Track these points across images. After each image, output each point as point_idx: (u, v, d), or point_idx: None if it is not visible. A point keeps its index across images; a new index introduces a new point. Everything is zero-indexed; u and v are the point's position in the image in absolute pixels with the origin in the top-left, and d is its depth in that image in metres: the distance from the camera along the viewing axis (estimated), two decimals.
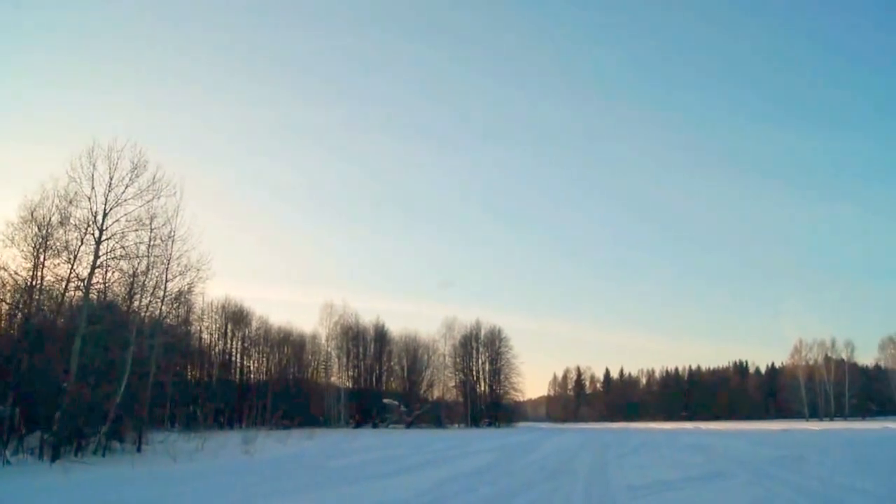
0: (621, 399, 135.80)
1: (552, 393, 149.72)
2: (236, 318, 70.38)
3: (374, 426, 72.96)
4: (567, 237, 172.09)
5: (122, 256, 25.64)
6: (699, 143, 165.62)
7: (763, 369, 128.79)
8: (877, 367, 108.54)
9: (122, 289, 27.41)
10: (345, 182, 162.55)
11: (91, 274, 24.28)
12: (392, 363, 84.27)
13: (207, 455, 24.68)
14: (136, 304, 27.71)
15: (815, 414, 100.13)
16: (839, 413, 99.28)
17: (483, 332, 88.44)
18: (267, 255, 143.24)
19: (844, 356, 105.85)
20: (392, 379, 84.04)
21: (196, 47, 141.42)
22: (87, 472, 18.58)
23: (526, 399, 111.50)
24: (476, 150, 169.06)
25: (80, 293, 24.70)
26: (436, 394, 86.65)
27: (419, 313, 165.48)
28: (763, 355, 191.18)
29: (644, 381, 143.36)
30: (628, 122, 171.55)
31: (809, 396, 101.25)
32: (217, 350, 68.98)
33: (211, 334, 68.70)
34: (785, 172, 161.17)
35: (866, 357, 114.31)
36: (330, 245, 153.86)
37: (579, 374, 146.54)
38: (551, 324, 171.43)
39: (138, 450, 26.09)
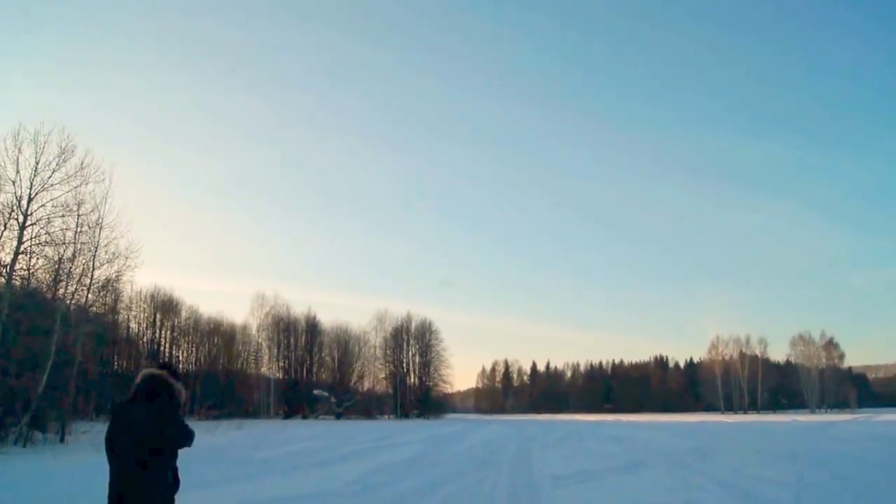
0: (547, 391, 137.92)
1: (480, 385, 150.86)
2: (165, 307, 69.28)
3: (304, 417, 72.83)
4: (497, 232, 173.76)
5: (47, 243, 25.29)
6: (632, 144, 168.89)
7: (682, 364, 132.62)
8: (787, 362, 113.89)
9: (47, 276, 26.95)
10: (277, 174, 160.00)
11: (14, 260, 23.88)
12: (323, 354, 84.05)
13: None
14: (61, 291, 27.26)
15: (730, 407, 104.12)
16: (752, 406, 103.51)
17: (414, 325, 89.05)
18: (197, 245, 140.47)
19: (758, 352, 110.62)
20: (322, 370, 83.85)
21: (121, 33, 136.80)
22: (7, 463, 18.27)
23: (455, 391, 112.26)
24: (414, 147, 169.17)
25: (2, 279, 24.17)
26: (366, 385, 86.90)
27: (351, 305, 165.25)
28: (683, 350, 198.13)
29: (569, 374, 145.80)
30: (567, 122, 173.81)
31: (725, 390, 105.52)
32: (145, 339, 67.84)
33: (139, 323, 67.53)
34: (711, 174, 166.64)
35: (778, 353, 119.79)
36: (262, 236, 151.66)
37: (507, 367, 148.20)
38: (481, 317, 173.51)
39: (61, 440, 25.75)
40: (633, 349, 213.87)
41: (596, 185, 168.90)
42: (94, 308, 31.04)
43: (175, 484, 4.65)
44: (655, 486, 12.69)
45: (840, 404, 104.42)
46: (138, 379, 4.74)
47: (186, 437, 4.66)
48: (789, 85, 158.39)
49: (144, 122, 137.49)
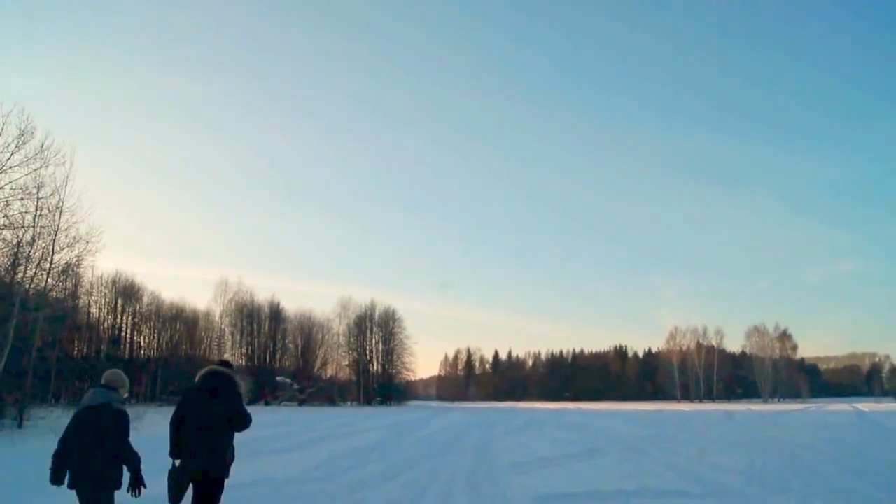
0: (509, 380, 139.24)
1: (443, 373, 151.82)
2: (127, 292, 68.34)
3: (267, 404, 72.56)
4: (461, 222, 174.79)
5: (5, 226, 24.84)
6: (594, 137, 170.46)
7: (641, 354, 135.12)
8: (743, 353, 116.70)
9: (5, 259, 26.45)
10: (242, 161, 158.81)
11: None
12: (286, 341, 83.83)
13: None
14: (20, 275, 26.77)
15: (686, 396, 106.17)
16: (708, 395, 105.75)
17: (377, 313, 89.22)
18: (160, 231, 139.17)
19: (715, 343, 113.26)
20: (286, 357, 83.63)
21: (86, 16, 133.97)
22: None
23: (417, 378, 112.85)
24: (377, 136, 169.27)
25: None
26: (329, 372, 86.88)
27: (315, 293, 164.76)
28: (641, 340, 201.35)
29: (530, 362, 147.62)
30: (529, 114, 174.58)
31: (682, 380, 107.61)
32: (106, 325, 66.85)
33: (100, 309, 66.50)
34: (671, 167, 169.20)
35: (734, 344, 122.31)
36: (226, 223, 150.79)
37: (469, 356, 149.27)
38: (444, 305, 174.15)
39: (19, 426, 25.41)
40: (593, 339, 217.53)
41: (558, 178, 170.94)
42: (54, 293, 30.62)
43: (233, 457, 6.17)
44: (612, 473, 12.96)
45: (792, 394, 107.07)
46: (203, 372, 6.35)
47: (245, 419, 6.17)
48: (748, 79, 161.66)
49: (108, 107, 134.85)
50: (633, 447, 18.70)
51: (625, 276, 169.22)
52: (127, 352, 68.82)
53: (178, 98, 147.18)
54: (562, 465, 14.33)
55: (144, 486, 5.72)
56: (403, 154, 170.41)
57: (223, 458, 6.02)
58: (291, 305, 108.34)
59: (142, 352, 71.58)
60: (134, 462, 5.69)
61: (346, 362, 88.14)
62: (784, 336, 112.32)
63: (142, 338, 72.51)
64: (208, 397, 6.11)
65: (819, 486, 11.04)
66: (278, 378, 78.22)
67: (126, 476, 5.72)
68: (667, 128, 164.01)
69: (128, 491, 5.63)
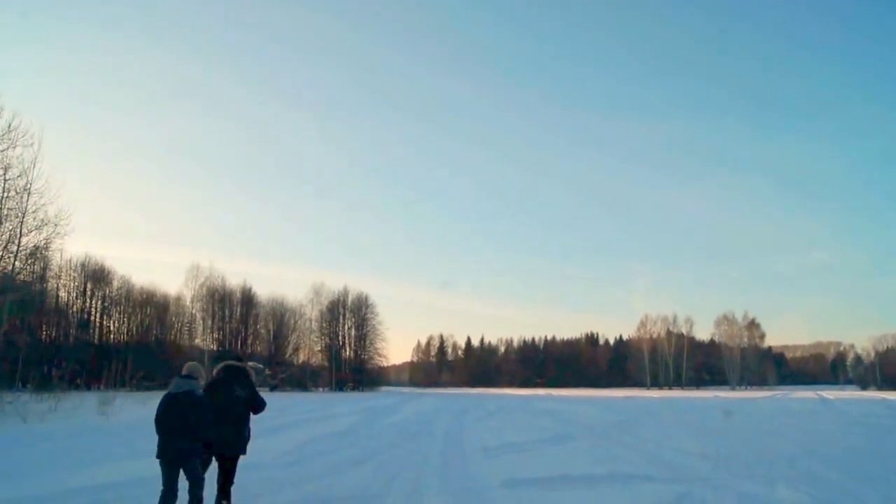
0: (481, 366, 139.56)
1: (415, 359, 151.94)
2: (96, 276, 67.63)
3: None
4: (435, 209, 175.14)
5: None
6: (567, 124, 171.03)
7: (612, 341, 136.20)
8: (712, 341, 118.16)
9: None
10: (215, 144, 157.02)
11: None
12: (258, 326, 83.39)
13: (61, 416, 23.87)
14: None
15: (656, 383, 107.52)
16: (677, 382, 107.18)
17: (350, 299, 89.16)
18: (131, 215, 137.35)
19: (684, 331, 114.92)
20: (258, 342, 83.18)
21: None
22: None
23: (390, 364, 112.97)
24: (353, 118, 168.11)
25: None
26: (301, 358, 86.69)
27: (288, 278, 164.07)
28: (613, 328, 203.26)
29: (503, 349, 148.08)
30: (521, 99, 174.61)
31: (652, 367, 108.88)
32: (75, 309, 66.10)
33: (69, 292, 65.72)
34: (644, 156, 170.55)
35: (703, 332, 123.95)
36: (198, 208, 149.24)
37: (442, 342, 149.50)
38: (417, 292, 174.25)
39: None
40: (565, 326, 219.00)
41: (531, 165, 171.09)
42: (22, 276, 30.16)
43: (249, 436, 7.58)
44: (581, 458, 13.11)
45: (759, 382, 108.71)
46: (221, 365, 7.82)
47: (260, 404, 7.68)
48: (721, 69, 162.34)
49: (78, 89, 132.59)
50: (602, 433, 18.91)
51: (597, 264, 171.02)
52: (96, 336, 68.20)
53: (152, 79, 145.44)
54: (532, 451, 14.44)
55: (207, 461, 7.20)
56: (378, 138, 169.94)
57: (243, 439, 7.46)
58: (264, 290, 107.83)
59: (111, 336, 70.93)
60: (210, 435, 6.99)
61: (319, 348, 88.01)
62: (752, 325, 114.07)
63: (112, 322, 71.88)
64: (229, 387, 7.50)
65: (783, 471, 11.26)
66: (250, 363, 77.41)
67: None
68: (641, 116, 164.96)
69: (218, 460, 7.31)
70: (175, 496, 6.77)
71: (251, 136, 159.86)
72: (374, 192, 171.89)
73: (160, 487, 6.81)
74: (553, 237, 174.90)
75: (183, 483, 6.83)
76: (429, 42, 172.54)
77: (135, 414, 26.00)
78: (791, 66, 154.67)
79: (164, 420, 6.84)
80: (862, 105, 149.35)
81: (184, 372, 7.28)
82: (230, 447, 7.35)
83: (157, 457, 6.81)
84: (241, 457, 7.57)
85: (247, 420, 7.56)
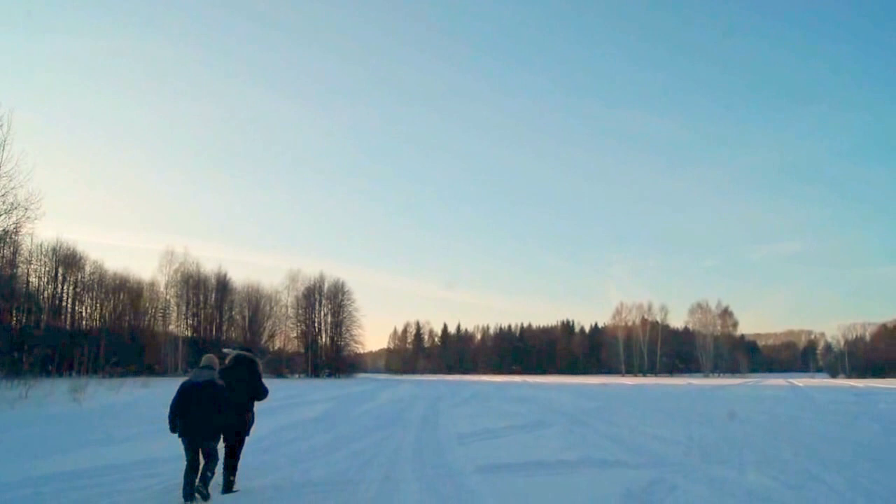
0: (457, 353, 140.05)
1: (392, 346, 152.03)
2: (68, 261, 66.68)
3: None
4: (411, 197, 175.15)
5: None
6: (543, 113, 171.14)
7: (588, 328, 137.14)
8: (686, 329, 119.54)
9: None
10: (190, 128, 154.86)
11: None
12: (233, 313, 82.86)
13: (32, 403, 23.59)
14: None
15: (630, 370, 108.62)
16: (651, 369, 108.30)
17: (326, 285, 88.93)
18: (104, 199, 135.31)
19: (659, 319, 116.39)
20: (233, 329, 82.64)
21: None
22: None
23: (366, 351, 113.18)
24: (326, 103, 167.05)
25: None
26: (277, 344, 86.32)
27: (264, 265, 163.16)
28: (588, 315, 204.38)
29: (479, 336, 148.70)
30: (479, 89, 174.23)
31: (627, 354, 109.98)
32: (46, 295, 65.19)
33: (40, 278, 64.73)
34: (621, 145, 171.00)
35: (678, 320, 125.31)
36: (172, 193, 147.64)
37: (418, 329, 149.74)
38: (393, 278, 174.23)
39: None
40: (541, 314, 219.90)
41: (507, 154, 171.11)
42: None
43: (253, 419, 8.67)
44: (555, 444, 13.20)
45: (732, 369, 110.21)
46: (232, 355, 8.93)
47: (264, 392, 8.80)
48: (698, 57, 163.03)
49: (51, 70, 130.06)
50: (577, 419, 19.03)
51: (574, 252, 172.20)
52: (68, 322, 67.38)
53: (126, 62, 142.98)
54: (507, 437, 14.54)
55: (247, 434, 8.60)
56: (353, 126, 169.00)
57: (246, 422, 8.46)
58: (239, 277, 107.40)
59: (84, 322, 70.13)
60: (231, 418, 8.11)
61: (295, 334, 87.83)
62: (725, 313, 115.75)
63: (84, 308, 71.06)
64: (238, 375, 8.53)
65: (753, 456, 11.43)
66: (224, 349, 77.03)
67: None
68: (617, 105, 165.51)
69: (225, 440, 8.27)
70: (196, 470, 7.73)
71: (228, 120, 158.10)
72: (350, 179, 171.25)
73: (165, 468, 8.31)
74: (530, 226, 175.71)
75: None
76: (399, 20, 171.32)
77: (107, 400, 25.84)
78: (761, 61, 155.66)
79: (189, 406, 7.80)
80: (832, 99, 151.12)
81: (202, 363, 8.31)
82: (235, 429, 8.28)
83: (180, 435, 7.79)
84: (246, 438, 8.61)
85: (250, 406, 8.57)
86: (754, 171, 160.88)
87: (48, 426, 16.83)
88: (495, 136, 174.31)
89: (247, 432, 8.57)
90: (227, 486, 8.24)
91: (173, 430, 7.89)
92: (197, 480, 7.69)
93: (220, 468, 8.17)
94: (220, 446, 8.18)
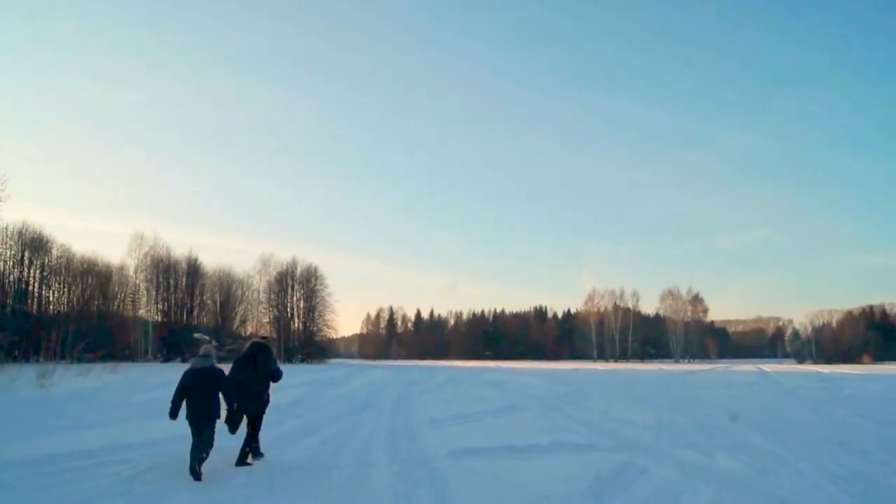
0: (430, 338, 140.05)
1: (365, 331, 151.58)
2: (35, 245, 65.52)
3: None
4: (386, 180, 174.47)
5: None
6: (517, 101, 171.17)
7: (560, 314, 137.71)
8: (657, 315, 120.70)
9: None
10: (161, 110, 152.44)
11: None
12: (204, 298, 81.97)
13: None
14: None
15: (602, 355, 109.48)
16: (623, 355, 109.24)
17: (299, 270, 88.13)
18: (72, 181, 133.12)
19: (631, 305, 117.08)
20: (204, 314, 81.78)
21: None
22: None
23: (339, 336, 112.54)
24: (301, 88, 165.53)
25: None
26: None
27: (236, 249, 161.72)
28: (561, 301, 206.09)
29: (452, 321, 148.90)
30: (455, 77, 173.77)
31: (599, 340, 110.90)
32: (12, 279, 64.06)
33: (5, 262, 63.48)
34: (593, 134, 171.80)
35: (649, 307, 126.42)
36: (142, 175, 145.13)
37: (391, 314, 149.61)
38: (367, 263, 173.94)
39: None
40: (514, 300, 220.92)
41: (483, 141, 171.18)
42: None
43: (269, 399, 9.83)
44: (527, 428, 13.32)
45: (702, 355, 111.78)
46: (250, 343, 10.15)
47: (279, 375, 10.01)
48: (668, 51, 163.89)
49: (12, 49, 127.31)
50: (549, 404, 19.17)
51: (547, 238, 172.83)
52: (35, 307, 66.29)
53: (93, 42, 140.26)
54: (479, 422, 14.62)
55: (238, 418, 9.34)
56: (328, 110, 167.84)
57: (263, 400, 9.64)
58: (210, 261, 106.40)
59: (51, 307, 68.97)
60: (229, 402, 8.99)
61: (267, 319, 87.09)
62: (696, 300, 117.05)
63: (51, 292, 69.83)
64: (253, 360, 9.67)
65: (722, 441, 11.62)
66: (195, 335, 76.62)
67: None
68: (589, 96, 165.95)
69: (225, 421, 9.04)
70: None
71: (198, 102, 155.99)
72: (322, 162, 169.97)
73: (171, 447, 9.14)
74: (503, 212, 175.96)
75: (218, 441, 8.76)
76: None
77: (75, 386, 25.45)
78: (734, 47, 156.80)
79: (192, 390, 8.56)
80: (804, 88, 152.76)
81: (201, 352, 9.10)
82: (254, 406, 9.46)
83: (186, 417, 8.47)
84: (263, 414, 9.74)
85: (267, 385, 9.74)
86: (726, 160, 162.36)
87: (14, 412, 16.57)
88: (467, 119, 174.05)
89: (264, 409, 9.72)
90: (242, 458, 9.28)
91: (174, 416, 8.48)
92: (191, 461, 8.27)
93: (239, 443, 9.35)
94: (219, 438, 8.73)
